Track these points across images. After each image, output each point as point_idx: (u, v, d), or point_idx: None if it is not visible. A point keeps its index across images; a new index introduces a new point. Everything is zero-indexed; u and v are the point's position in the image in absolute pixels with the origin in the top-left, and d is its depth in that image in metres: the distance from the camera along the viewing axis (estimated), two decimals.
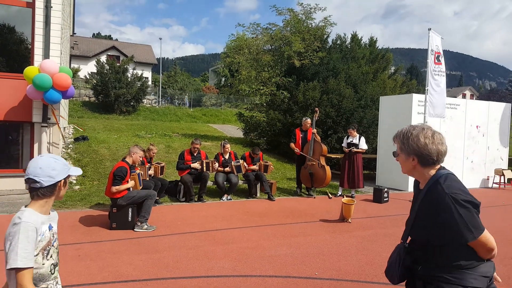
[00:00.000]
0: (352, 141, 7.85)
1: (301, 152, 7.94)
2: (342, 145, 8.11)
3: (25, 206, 1.62)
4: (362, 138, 7.89)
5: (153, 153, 6.74)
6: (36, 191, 1.60)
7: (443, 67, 7.96)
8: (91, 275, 3.58)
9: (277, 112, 12.90)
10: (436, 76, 7.84)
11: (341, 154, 9.16)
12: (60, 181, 1.63)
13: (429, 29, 7.68)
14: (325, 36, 13.57)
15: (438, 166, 1.74)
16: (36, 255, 1.55)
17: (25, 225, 1.52)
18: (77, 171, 1.71)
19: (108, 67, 21.23)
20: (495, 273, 1.69)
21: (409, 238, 1.78)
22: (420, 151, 1.71)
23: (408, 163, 1.76)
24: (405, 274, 1.76)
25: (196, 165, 7.10)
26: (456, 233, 1.57)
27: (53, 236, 1.66)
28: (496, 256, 1.70)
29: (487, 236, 1.62)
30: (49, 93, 6.60)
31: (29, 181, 1.59)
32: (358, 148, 7.77)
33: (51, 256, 1.63)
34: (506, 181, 10.35)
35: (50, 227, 1.64)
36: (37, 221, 1.57)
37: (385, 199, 7.60)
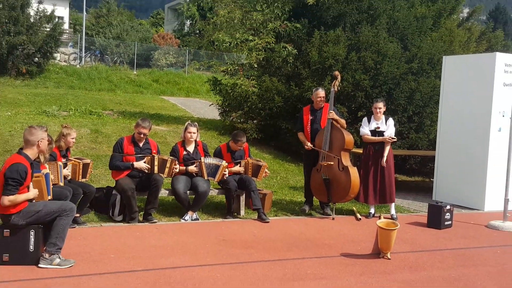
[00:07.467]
0: (378, 127, 7.95)
1: (313, 147, 7.99)
2: (362, 130, 8.08)
3: None
4: (391, 120, 8.04)
5: (71, 139, 6.74)
6: None
7: None
8: None
9: (276, 79, 12.90)
10: None
11: (360, 149, 9.27)
12: None
13: None
14: None
15: None
16: None
17: None
18: None
19: None
20: None
21: None
22: None
23: None
24: None
25: (142, 164, 7.08)
26: None
27: None
28: None
29: None
30: None
31: None
32: (391, 137, 7.90)
33: None
34: None
35: None
36: None
37: (446, 223, 7.70)
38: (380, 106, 7.97)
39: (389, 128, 7.96)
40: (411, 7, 13.24)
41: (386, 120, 8.00)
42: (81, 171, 6.74)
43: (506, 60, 9.22)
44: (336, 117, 7.87)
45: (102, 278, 4.77)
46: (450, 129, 9.81)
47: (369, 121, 8.06)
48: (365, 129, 8.03)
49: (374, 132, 7.96)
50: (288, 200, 9.10)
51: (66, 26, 33.18)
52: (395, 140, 8.13)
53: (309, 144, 7.98)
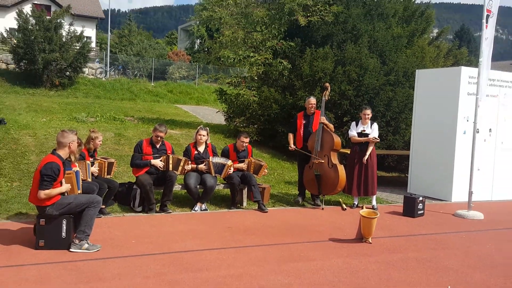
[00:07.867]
0: (364, 130, 8.03)
1: (296, 148, 8.10)
2: (350, 133, 8.17)
3: None
4: (375, 125, 8.10)
5: (98, 142, 6.80)
6: None
7: (489, 31, 8.11)
8: None
9: (273, 89, 12.96)
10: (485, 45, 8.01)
11: (347, 149, 9.31)
12: None
13: None
14: None
15: None
16: None
17: None
18: None
19: (34, 22, 21.03)
20: None
21: None
22: None
23: None
24: None
25: (158, 162, 7.12)
26: None
27: None
28: None
29: None
30: None
31: None
32: (375, 138, 7.97)
33: None
34: None
35: None
36: None
37: (419, 212, 7.74)
38: (368, 112, 8.05)
39: (373, 132, 8.02)
40: (389, 28, 13.25)
41: (371, 124, 8.08)
42: (106, 168, 6.78)
43: (470, 73, 9.24)
44: (326, 122, 7.95)
45: (125, 261, 4.84)
46: (422, 132, 9.85)
47: (356, 125, 8.15)
48: (353, 132, 8.11)
49: (361, 134, 8.02)
50: (284, 193, 9.14)
51: (93, 44, 33.24)
52: (378, 140, 8.16)
53: (292, 146, 8.12)
